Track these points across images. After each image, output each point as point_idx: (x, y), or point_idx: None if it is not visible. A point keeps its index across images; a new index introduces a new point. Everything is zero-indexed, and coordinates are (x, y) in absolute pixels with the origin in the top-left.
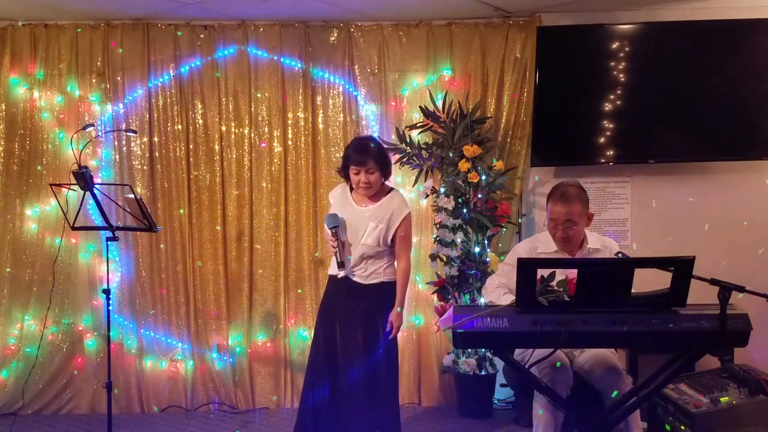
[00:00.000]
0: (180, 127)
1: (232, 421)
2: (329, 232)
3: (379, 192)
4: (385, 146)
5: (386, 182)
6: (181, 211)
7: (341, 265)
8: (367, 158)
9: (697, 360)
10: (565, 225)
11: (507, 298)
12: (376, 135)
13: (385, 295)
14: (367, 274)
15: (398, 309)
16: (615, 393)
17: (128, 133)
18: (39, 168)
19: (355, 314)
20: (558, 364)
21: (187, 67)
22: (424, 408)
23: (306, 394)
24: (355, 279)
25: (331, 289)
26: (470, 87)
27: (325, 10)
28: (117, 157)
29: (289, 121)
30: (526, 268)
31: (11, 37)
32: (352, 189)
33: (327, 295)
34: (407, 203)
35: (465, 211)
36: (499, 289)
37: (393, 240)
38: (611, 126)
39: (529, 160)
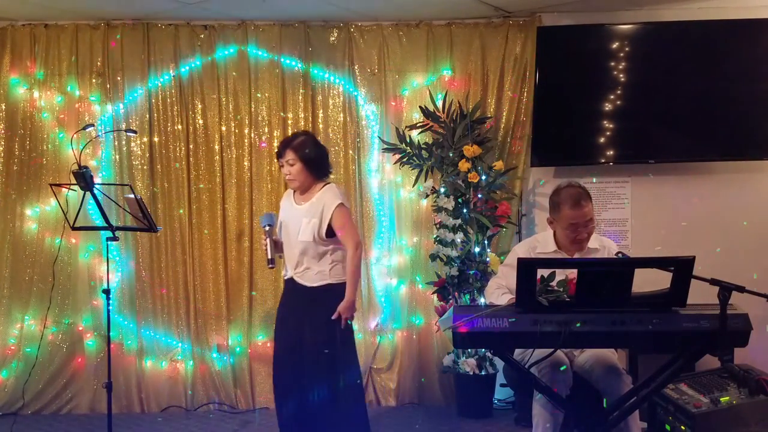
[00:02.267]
0: (180, 127)
1: (232, 421)
2: (264, 230)
3: (313, 188)
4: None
5: (328, 179)
6: (181, 211)
7: (271, 261)
8: (284, 150)
9: (697, 360)
10: (587, 224)
11: (505, 298)
12: (376, 135)
13: (333, 298)
14: (312, 274)
15: (350, 299)
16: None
17: (128, 133)
18: (39, 168)
19: (304, 321)
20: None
21: (187, 67)
22: (424, 408)
23: (276, 402)
24: (303, 282)
25: (283, 293)
26: (470, 87)
27: (325, 10)
28: (117, 157)
29: (289, 121)
30: (526, 268)
31: (11, 37)
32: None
33: (280, 300)
34: (340, 195)
35: (465, 211)
36: (498, 290)
37: (331, 235)
38: (611, 126)
39: (529, 160)
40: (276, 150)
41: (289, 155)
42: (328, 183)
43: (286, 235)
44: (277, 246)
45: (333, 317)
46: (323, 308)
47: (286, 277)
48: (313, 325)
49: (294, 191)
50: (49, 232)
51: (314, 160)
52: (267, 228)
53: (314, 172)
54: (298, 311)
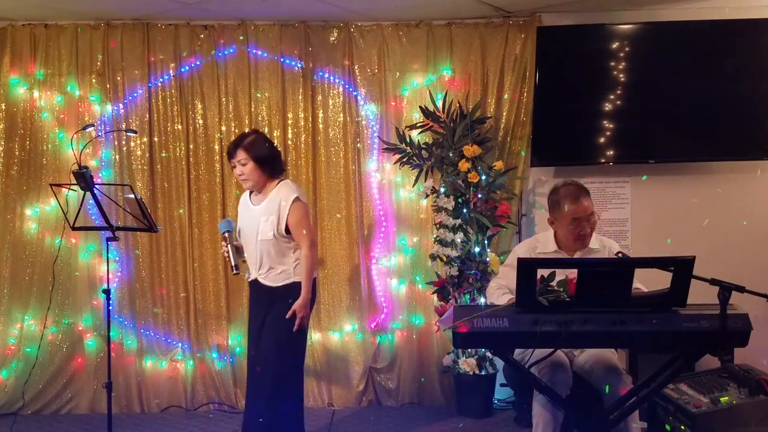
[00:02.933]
0: (180, 127)
1: (232, 421)
2: (224, 236)
3: (268, 187)
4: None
5: (283, 176)
6: (181, 211)
7: (235, 267)
8: (235, 150)
9: (697, 360)
10: (589, 218)
11: (506, 298)
12: (376, 135)
13: (297, 297)
14: (276, 274)
15: (305, 297)
16: (607, 387)
17: (128, 133)
18: (39, 168)
19: (271, 321)
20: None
21: (187, 67)
22: (424, 408)
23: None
24: (266, 283)
25: (251, 296)
26: (470, 87)
27: (325, 10)
28: (117, 157)
29: (289, 121)
30: (526, 268)
31: (11, 37)
32: (251, 192)
33: (249, 302)
34: (296, 190)
35: (465, 211)
36: (499, 290)
37: (290, 231)
38: (611, 126)
39: (529, 160)
40: (226, 150)
41: (241, 155)
42: (283, 180)
43: (245, 238)
44: (240, 251)
45: (287, 315)
46: (287, 307)
47: (250, 280)
48: (275, 322)
49: (250, 193)
50: (49, 232)
51: (266, 158)
52: (226, 234)
53: (267, 171)
54: (263, 312)
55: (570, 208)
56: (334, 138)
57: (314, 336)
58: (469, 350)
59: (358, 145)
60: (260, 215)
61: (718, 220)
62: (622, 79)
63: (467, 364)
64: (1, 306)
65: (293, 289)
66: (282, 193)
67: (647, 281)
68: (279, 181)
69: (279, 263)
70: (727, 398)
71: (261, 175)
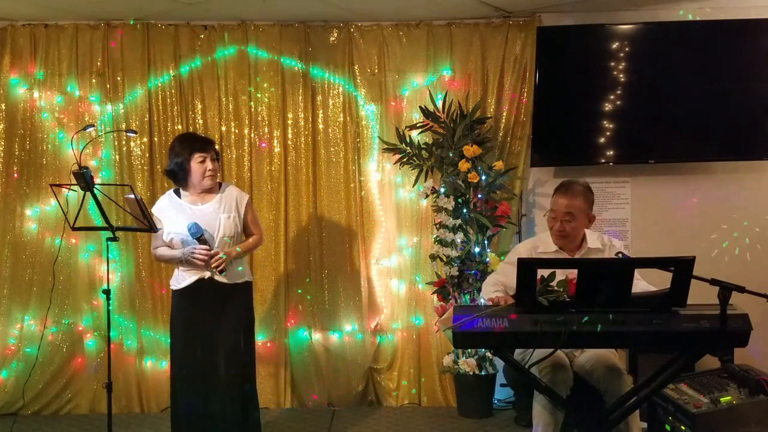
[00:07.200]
0: (180, 127)
1: None
2: (195, 242)
3: (213, 188)
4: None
5: None
6: None
7: (223, 270)
8: (211, 145)
9: (697, 360)
10: (564, 218)
11: (495, 295)
12: (376, 135)
13: (249, 295)
14: (235, 271)
15: (235, 254)
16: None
17: (128, 133)
18: (39, 168)
19: (228, 319)
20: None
21: (187, 67)
22: (424, 408)
23: (178, 407)
24: (224, 280)
25: (190, 299)
26: (470, 87)
27: (325, 10)
28: (117, 157)
29: (289, 121)
30: (526, 268)
31: (11, 37)
32: (179, 195)
33: (187, 305)
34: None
35: (465, 211)
36: (493, 286)
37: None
38: (611, 126)
39: (529, 160)
40: (194, 146)
41: (213, 151)
42: (220, 181)
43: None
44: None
45: (217, 256)
46: (245, 304)
47: (200, 278)
48: (238, 321)
49: (178, 193)
50: (49, 232)
51: None
52: (202, 237)
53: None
54: (215, 313)
55: (552, 199)
56: (334, 138)
57: (314, 336)
58: (469, 350)
59: (358, 145)
60: (218, 213)
61: (718, 220)
62: (622, 79)
63: (467, 364)
64: (1, 306)
65: (247, 287)
66: (235, 193)
67: (647, 281)
68: (220, 181)
69: (237, 262)
70: (727, 398)
71: None
